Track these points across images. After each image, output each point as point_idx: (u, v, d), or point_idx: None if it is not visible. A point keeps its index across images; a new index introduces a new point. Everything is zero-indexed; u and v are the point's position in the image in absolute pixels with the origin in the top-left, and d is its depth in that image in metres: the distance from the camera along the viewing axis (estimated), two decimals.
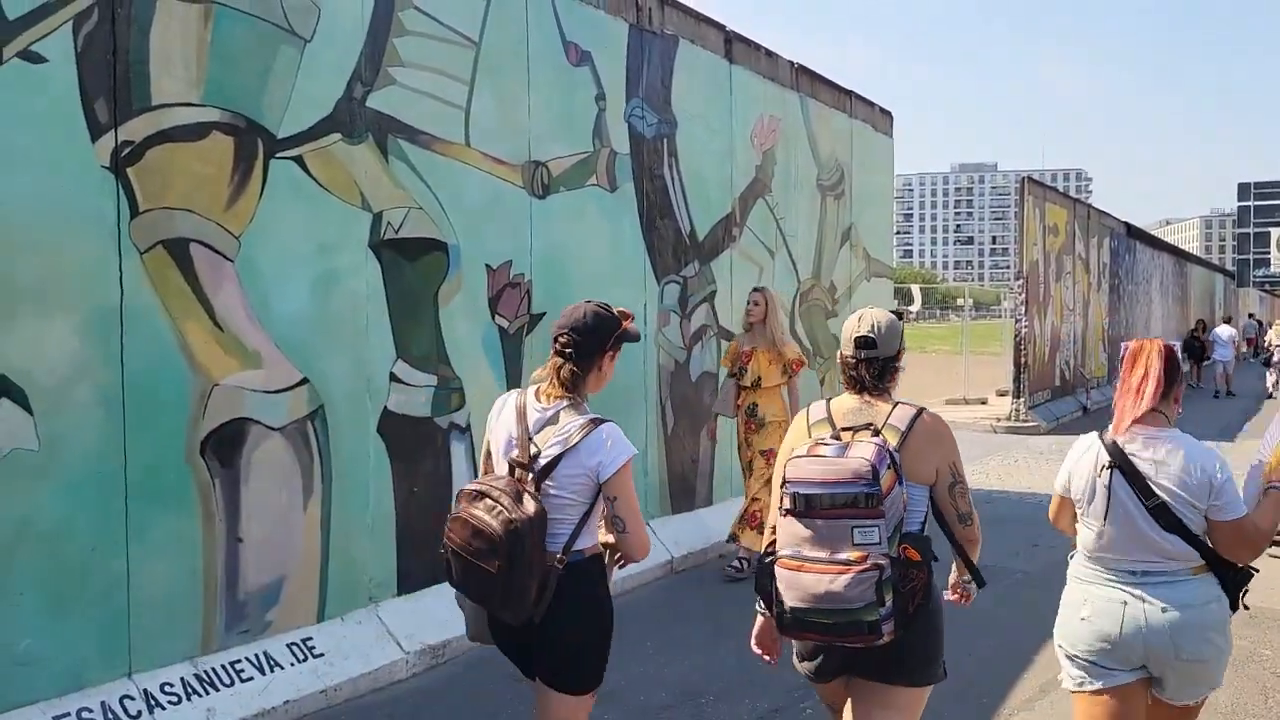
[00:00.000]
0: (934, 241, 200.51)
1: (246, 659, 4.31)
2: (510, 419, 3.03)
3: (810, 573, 2.64)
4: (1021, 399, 15.29)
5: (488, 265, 5.64)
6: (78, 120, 3.81)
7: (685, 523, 7.24)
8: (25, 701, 3.64)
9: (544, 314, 6.00)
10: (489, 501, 2.82)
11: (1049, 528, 3.42)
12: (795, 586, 2.67)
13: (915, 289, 31.08)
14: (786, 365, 6.54)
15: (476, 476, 5.46)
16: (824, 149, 9.41)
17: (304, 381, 4.64)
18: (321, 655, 4.53)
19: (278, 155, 4.51)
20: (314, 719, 4.34)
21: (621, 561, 3.05)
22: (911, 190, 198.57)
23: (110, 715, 3.78)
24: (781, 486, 2.75)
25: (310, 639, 4.57)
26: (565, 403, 2.97)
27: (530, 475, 2.88)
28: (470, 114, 5.49)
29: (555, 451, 2.89)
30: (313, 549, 4.70)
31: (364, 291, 4.92)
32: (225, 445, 4.32)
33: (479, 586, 2.85)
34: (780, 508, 2.76)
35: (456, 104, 5.42)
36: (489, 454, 3.10)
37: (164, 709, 3.93)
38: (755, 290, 6.80)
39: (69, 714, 3.69)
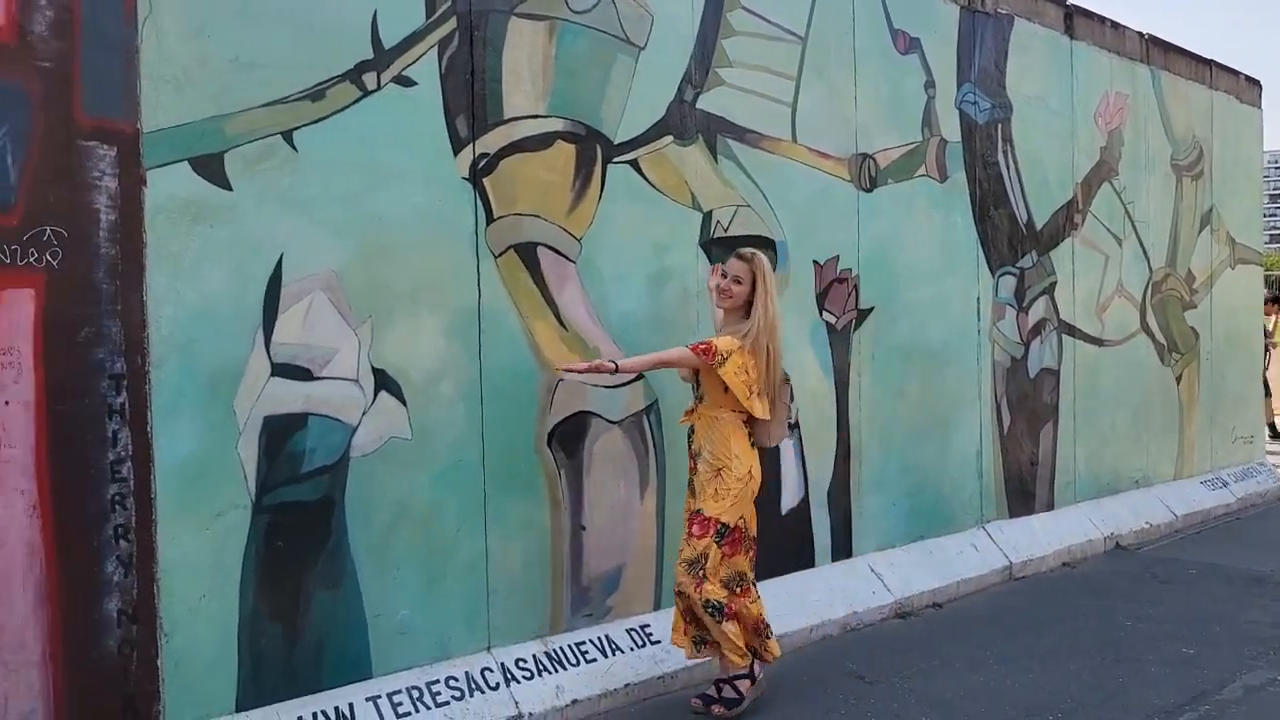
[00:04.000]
0: None
1: (590, 641, 4.52)
2: None
3: None
4: None
5: (815, 261, 5.59)
6: (442, 137, 4.16)
7: (1024, 528, 6.83)
8: (403, 666, 4.02)
9: (872, 309, 5.87)
10: None
11: None
12: None
13: None
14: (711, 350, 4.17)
15: (806, 474, 5.51)
16: (1179, 125, 8.58)
17: (639, 377, 4.80)
18: (659, 642, 4.67)
19: (615, 160, 4.71)
20: (653, 704, 4.47)
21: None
22: None
23: (473, 684, 4.09)
24: None
25: (648, 626, 4.73)
26: None
27: None
28: (797, 110, 5.47)
29: None
30: (648, 539, 4.85)
31: (694, 289, 5.03)
32: (569, 437, 4.56)
33: None
34: None
35: (783, 100, 5.42)
36: None
37: (519, 683, 4.20)
38: (740, 256, 4.31)
39: (439, 680, 4.03)
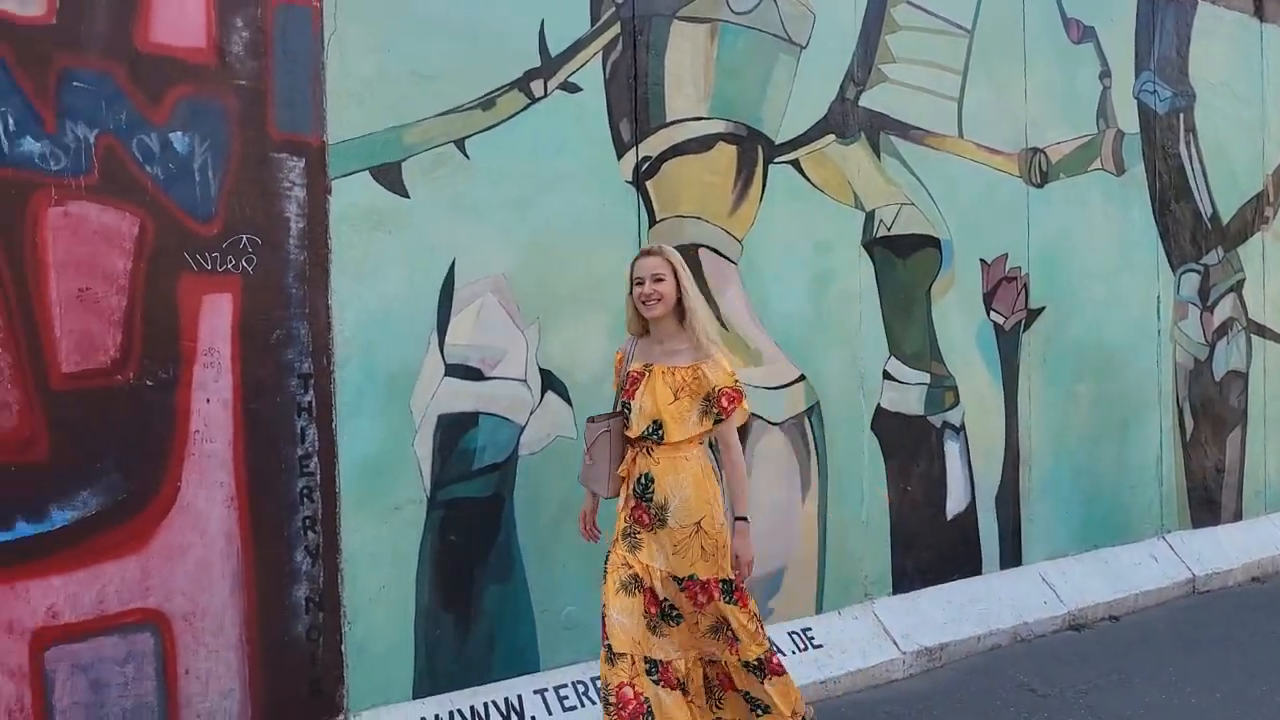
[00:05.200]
0: None
1: None
2: None
3: None
4: None
5: (982, 260, 5.43)
6: (606, 141, 4.22)
7: (1208, 538, 6.45)
8: (568, 661, 4.10)
9: (1043, 308, 5.66)
10: None
11: None
12: None
13: None
14: (711, 395, 3.48)
15: (972, 478, 5.35)
16: None
17: (801, 378, 4.77)
18: (820, 646, 4.62)
19: (776, 160, 4.69)
20: (815, 708, 4.42)
21: None
22: None
23: None
24: None
25: (810, 629, 4.68)
26: None
27: None
28: (963, 104, 5.33)
29: None
30: (810, 542, 4.81)
31: (857, 289, 4.95)
32: None
33: None
34: None
35: (949, 95, 5.28)
36: None
37: None
38: (647, 253, 3.56)
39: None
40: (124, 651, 3.23)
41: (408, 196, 3.77)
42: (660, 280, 3.50)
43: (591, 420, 3.63)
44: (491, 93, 3.94)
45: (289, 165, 3.53)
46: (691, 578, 3.47)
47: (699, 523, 3.45)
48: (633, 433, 3.52)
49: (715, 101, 4.49)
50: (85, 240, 3.17)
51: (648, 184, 4.32)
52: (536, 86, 4.04)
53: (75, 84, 3.16)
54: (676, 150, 4.40)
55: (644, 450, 3.51)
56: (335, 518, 3.60)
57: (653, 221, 4.33)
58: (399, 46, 3.74)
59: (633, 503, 3.52)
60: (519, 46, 4.01)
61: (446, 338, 3.85)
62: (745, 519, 3.51)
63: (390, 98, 3.73)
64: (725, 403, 3.46)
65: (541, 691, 3.95)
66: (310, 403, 3.57)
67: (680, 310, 3.53)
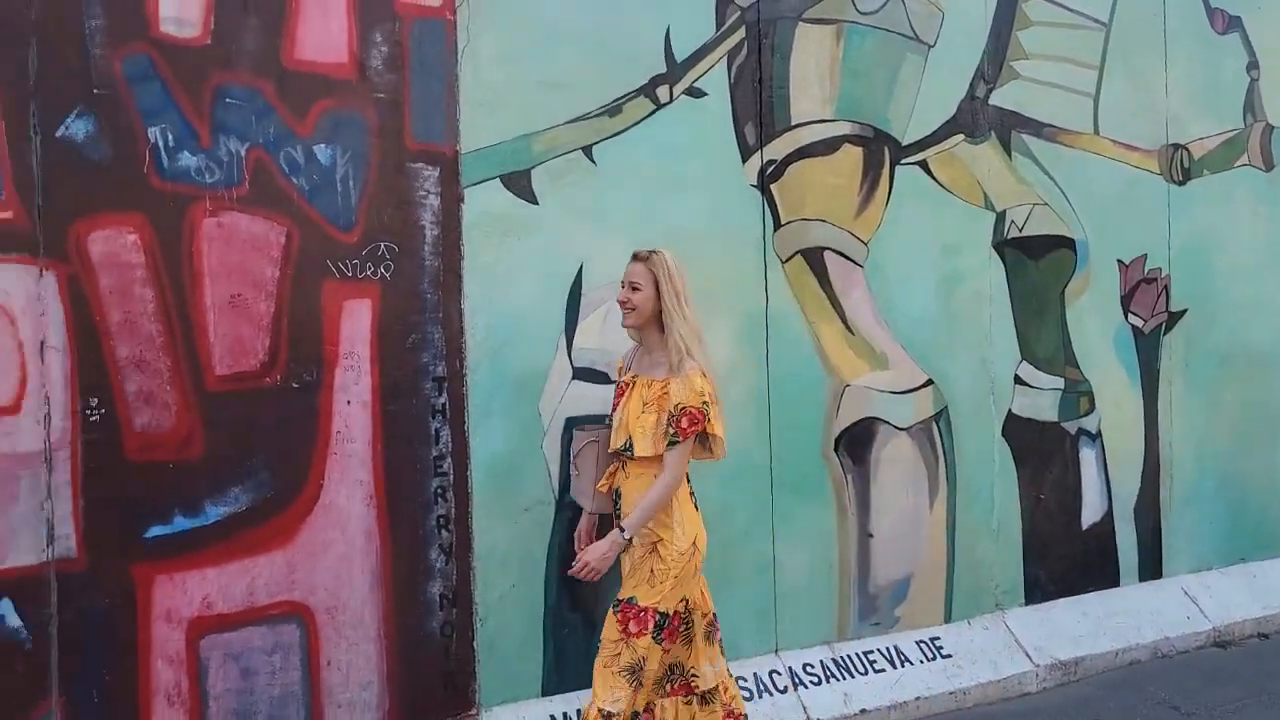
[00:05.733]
0: None
1: (878, 650, 4.44)
2: None
3: None
4: None
5: (1119, 260, 5.24)
6: (731, 145, 4.23)
7: None
8: None
9: (1185, 311, 5.43)
10: None
11: None
12: None
13: None
14: (672, 414, 3.25)
15: (1109, 487, 5.17)
16: None
17: (929, 383, 4.68)
18: (949, 656, 4.53)
19: (903, 161, 4.62)
20: (943, 719, 4.34)
21: None
22: None
23: (761, 686, 4.12)
24: None
25: (938, 639, 4.59)
26: None
27: None
28: (1099, 100, 5.15)
29: None
30: (938, 550, 4.71)
31: (987, 292, 4.84)
32: (856, 443, 4.51)
33: None
34: None
35: (1084, 91, 5.12)
36: None
37: (806, 688, 4.19)
38: (635, 257, 3.41)
39: None
40: (271, 642, 3.38)
41: (537, 203, 3.84)
42: (636, 289, 3.34)
43: (579, 429, 3.61)
44: (618, 99, 3.99)
45: (424, 174, 3.65)
46: (630, 600, 3.25)
47: (656, 545, 3.26)
48: (611, 446, 3.41)
49: (841, 103, 4.46)
50: (237, 249, 3.33)
51: (772, 187, 4.31)
52: (662, 92, 4.08)
53: (228, 100, 3.33)
54: (801, 153, 4.37)
55: (621, 465, 3.38)
56: (468, 517, 3.70)
57: (777, 225, 4.32)
58: (529, 56, 3.82)
59: (615, 517, 3.38)
60: (645, 53, 4.06)
61: (574, 341, 3.91)
62: (622, 530, 3.25)
63: (520, 107, 3.81)
64: (685, 423, 3.20)
65: None
66: (444, 405, 3.67)
67: (659, 324, 3.37)
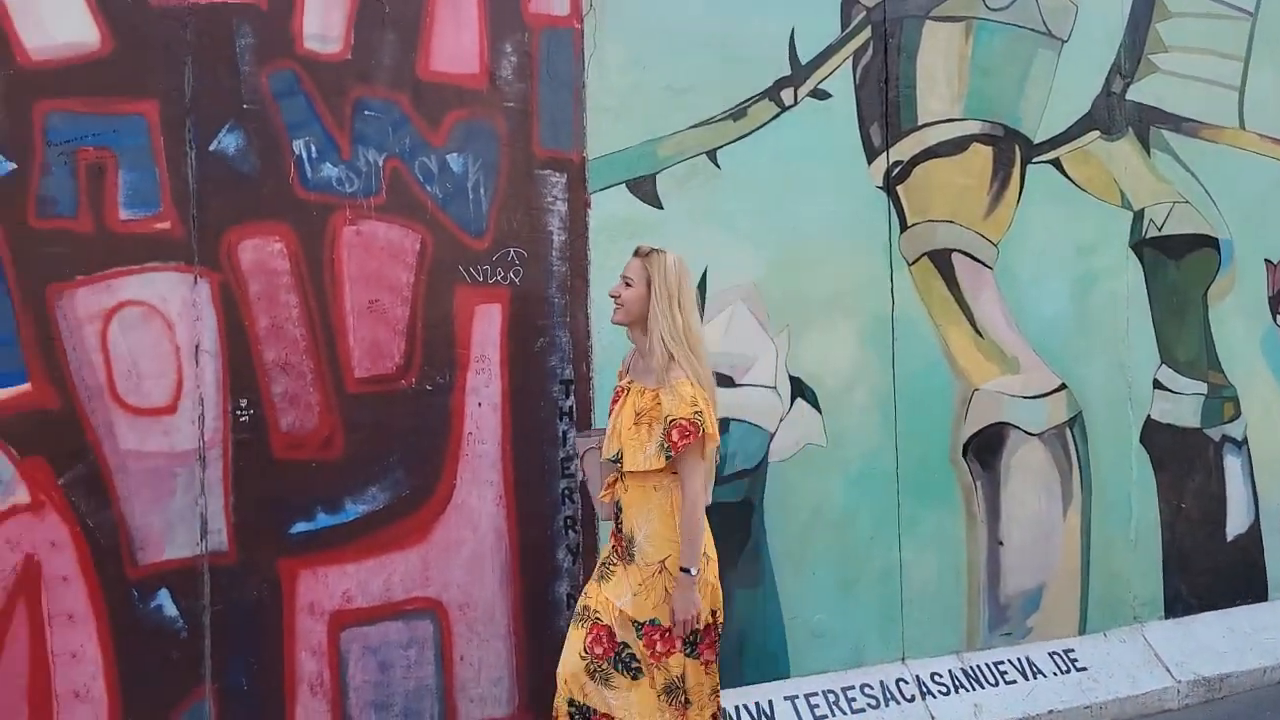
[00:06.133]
0: None
1: (1009, 661, 4.33)
2: None
3: None
4: None
5: (1267, 260, 5.00)
6: (856, 147, 4.19)
7: None
8: (817, 670, 4.08)
9: None
10: None
11: None
12: None
13: None
14: (665, 427, 3.02)
15: (1256, 497, 4.93)
16: None
17: (1062, 387, 4.55)
18: (1084, 669, 4.38)
19: (1034, 160, 4.50)
20: None
21: None
22: None
23: (887, 694, 4.06)
24: None
25: (1072, 651, 4.45)
26: None
27: None
28: (1245, 93, 4.94)
29: None
30: (1072, 559, 4.57)
31: (1124, 293, 4.68)
32: (986, 449, 4.41)
33: None
34: None
35: (1228, 84, 4.91)
36: None
37: (934, 697, 4.12)
38: (635, 252, 3.22)
39: (854, 686, 4.05)
40: (407, 636, 3.48)
41: (661, 208, 3.87)
42: (629, 285, 3.15)
43: (578, 435, 3.52)
44: (742, 103, 3.99)
45: (552, 181, 3.71)
46: (652, 623, 3.06)
47: (664, 562, 3.05)
48: (604, 453, 3.21)
49: (970, 102, 4.37)
50: (375, 256, 3.45)
51: (898, 189, 4.25)
52: (787, 95, 4.06)
53: (366, 113, 3.45)
54: (929, 153, 4.30)
55: (620, 475, 3.16)
56: (594, 519, 3.74)
57: (904, 227, 4.26)
58: (654, 62, 3.86)
59: (615, 530, 3.20)
60: (769, 56, 4.05)
61: None
62: (688, 571, 3.01)
63: (645, 112, 3.85)
64: (675, 436, 2.98)
65: (792, 698, 3.95)
66: (571, 407, 3.73)
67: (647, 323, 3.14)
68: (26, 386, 3.07)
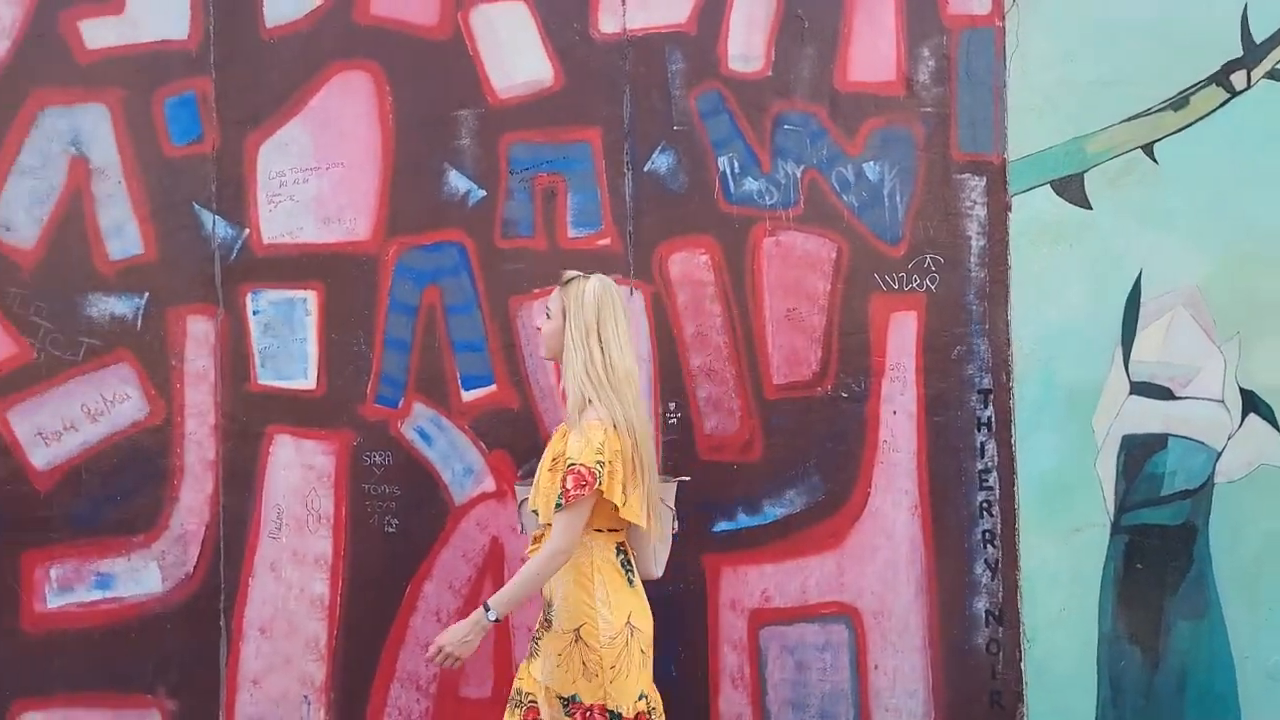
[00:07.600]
0: None
1: None
2: None
3: None
4: None
5: None
6: None
7: None
8: (1274, 717, 3.64)
9: None
10: None
11: None
12: None
13: None
14: (563, 472, 2.67)
15: None
16: None
17: None
18: None
19: None
20: None
21: None
22: None
23: None
24: None
25: None
26: None
27: None
28: None
29: None
30: None
31: None
32: None
33: None
34: None
35: None
36: None
37: None
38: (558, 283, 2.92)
39: None
40: (823, 639, 3.54)
41: (1089, 208, 3.65)
42: (549, 317, 2.88)
43: (519, 483, 3.31)
44: (1184, 91, 3.67)
45: (970, 185, 3.62)
46: (574, 699, 2.70)
47: (578, 631, 2.70)
48: (530, 504, 2.88)
49: None
50: (792, 266, 3.56)
51: None
52: (1237, 79, 3.68)
53: (785, 126, 3.57)
54: None
55: (541, 527, 2.81)
56: (1014, 534, 3.59)
57: None
58: (1082, 55, 3.65)
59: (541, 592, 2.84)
60: (1216, 38, 3.69)
61: (1132, 354, 3.65)
62: (486, 608, 2.68)
63: (1071, 108, 3.65)
64: (570, 483, 2.63)
65: None
66: (989, 418, 3.61)
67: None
68: (493, 388, 3.49)
